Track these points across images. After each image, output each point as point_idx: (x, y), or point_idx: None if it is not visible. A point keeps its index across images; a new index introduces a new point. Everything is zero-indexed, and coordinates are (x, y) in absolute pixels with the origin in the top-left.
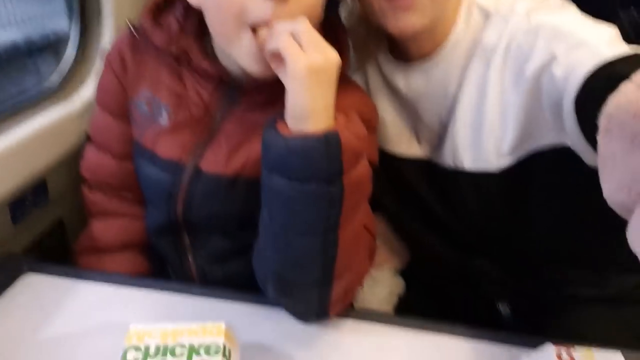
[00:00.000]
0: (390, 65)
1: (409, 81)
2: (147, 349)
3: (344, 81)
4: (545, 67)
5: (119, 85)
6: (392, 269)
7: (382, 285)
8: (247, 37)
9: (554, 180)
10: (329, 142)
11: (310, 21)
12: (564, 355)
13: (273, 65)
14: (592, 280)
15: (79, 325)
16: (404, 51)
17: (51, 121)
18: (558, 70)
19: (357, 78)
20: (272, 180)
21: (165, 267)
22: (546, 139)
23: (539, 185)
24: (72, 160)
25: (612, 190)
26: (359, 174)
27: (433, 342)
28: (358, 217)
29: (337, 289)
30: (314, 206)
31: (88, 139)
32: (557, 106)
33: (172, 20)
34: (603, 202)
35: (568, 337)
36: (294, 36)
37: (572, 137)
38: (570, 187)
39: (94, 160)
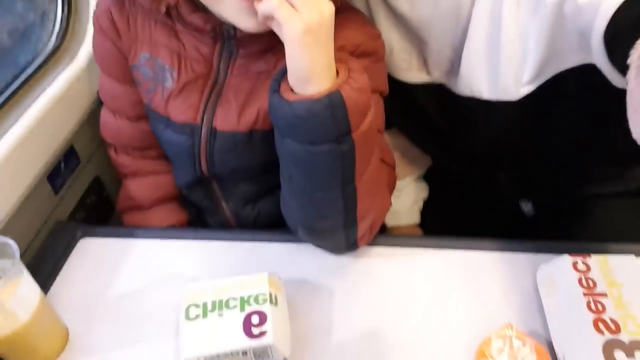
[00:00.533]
0: None
1: (413, 4)
2: (204, 304)
3: (344, 11)
4: None
5: (116, 50)
6: (414, 176)
7: (406, 194)
8: None
9: (578, 98)
10: (334, 105)
11: None
12: (580, 263)
13: (269, 25)
14: (617, 175)
15: (139, 281)
16: None
17: (62, 85)
18: None
19: (358, 1)
20: (284, 143)
21: (201, 213)
22: (571, 60)
23: (562, 104)
24: (92, 117)
25: None
26: (368, 125)
27: (458, 257)
28: (374, 159)
29: (362, 226)
30: (329, 164)
31: (101, 101)
32: (583, 35)
33: None
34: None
35: (591, 232)
36: None
37: (600, 65)
38: (595, 101)
39: (113, 126)
